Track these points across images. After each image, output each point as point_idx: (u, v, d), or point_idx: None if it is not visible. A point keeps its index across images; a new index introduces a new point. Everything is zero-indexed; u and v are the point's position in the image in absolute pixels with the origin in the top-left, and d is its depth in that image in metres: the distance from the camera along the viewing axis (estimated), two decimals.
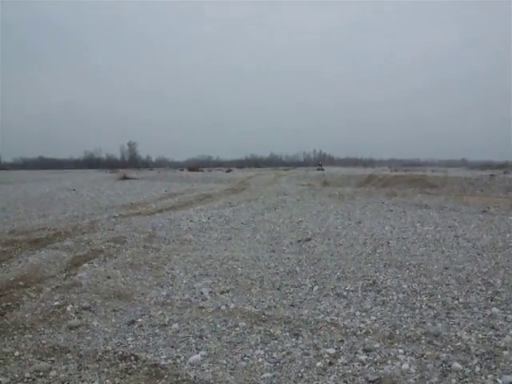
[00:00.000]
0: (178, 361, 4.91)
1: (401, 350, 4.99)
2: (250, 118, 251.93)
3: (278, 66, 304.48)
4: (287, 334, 5.55)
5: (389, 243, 10.81)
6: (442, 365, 4.64)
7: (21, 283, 7.67)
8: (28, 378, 4.48)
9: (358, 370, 4.56)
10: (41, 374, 4.57)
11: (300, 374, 4.52)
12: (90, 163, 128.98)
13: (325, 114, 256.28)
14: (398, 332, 5.53)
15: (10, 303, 6.55)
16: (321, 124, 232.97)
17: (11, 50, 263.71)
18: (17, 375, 4.54)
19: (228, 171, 67.69)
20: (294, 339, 5.38)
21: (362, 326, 5.74)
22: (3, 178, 56.80)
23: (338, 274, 8.13)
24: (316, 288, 7.34)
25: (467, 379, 4.34)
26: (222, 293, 7.21)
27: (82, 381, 4.42)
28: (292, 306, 6.57)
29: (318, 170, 68.29)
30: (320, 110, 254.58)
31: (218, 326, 5.85)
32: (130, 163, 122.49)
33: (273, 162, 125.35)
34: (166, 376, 4.54)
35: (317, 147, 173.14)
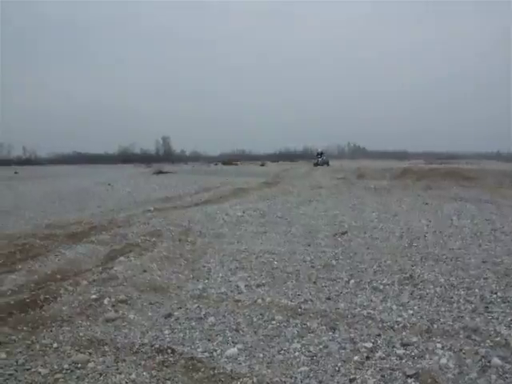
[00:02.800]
0: (215, 354, 4.95)
1: (439, 345, 4.95)
2: (283, 111, 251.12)
3: (301, 58, 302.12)
4: (324, 327, 5.56)
5: (425, 236, 10.71)
6: (480, 360, 4.59)
7: (58, 276, 7.83)
8: (67, 370, 4.57)
9: (396, 365, 4.55)
10: (79, 365, 4.66)
11: (337, 368, 4.52)
12: (125, 158, 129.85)
13: (358, 106, 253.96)
14: (435, 326, 5.49)
15: (47, 296, 6.69)
16: (354, 116, 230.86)
17: (37, 49, 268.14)
18: (56, 366, 4.64)
19: (262, 165, 67.80)
20: (330, 333, 5.39)
21: (399, 319, 5.72)
22: (39, 172, 57.83)
23: (375, 267, 8.10)
24: (352, 281, 7.33)
25: (507, 375, 4.29)
26: (258, 286, 7.25)
27: (120, 373, 4.50)
28: (328, 299, 6.57)
29: (318, 164, 59.62)
30: (353, 101, 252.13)
31: (255, 319, 5.88)
32: (164, 157, 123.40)
33: (306, 156, 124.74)
34: (202, 369, 4.58)
35: (350, 140, 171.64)
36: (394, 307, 6.17)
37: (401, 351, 4.82)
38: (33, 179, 42.48)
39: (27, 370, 4.60)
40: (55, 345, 5.16)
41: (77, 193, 23.82)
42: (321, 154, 64.65)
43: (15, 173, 60.01)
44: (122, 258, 8.85)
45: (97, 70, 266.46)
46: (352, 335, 5.29)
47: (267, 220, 13.48)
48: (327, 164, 59.64)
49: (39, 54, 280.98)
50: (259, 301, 6.52)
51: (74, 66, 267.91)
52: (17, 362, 4.76)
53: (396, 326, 5.51)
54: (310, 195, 20.10)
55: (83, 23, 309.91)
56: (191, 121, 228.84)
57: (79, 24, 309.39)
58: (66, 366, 4.64)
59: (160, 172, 45.63)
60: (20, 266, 8.59)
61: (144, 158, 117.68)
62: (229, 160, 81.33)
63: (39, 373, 4.52)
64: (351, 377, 4.33)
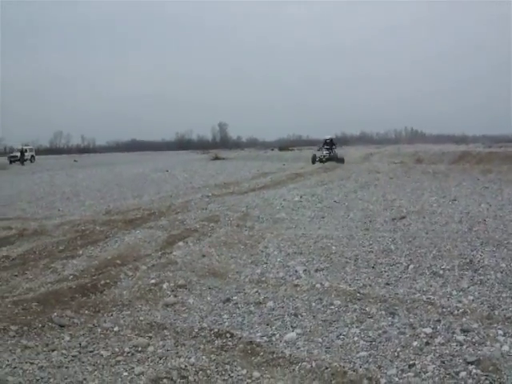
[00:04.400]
0: (274, 338, 4.99)
1: (500, 331, 4.83)
2: (340, 95, 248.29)
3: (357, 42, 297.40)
4: (383, 312, 5.52)
5: (485, 221, 10.43)
6: None
7: (118, 262, 8.03)
8: (127, 353, 4.70)
9: (456, 351, 4.47)
10: (139, 349, 4.78)
11: (396, 354, 4.49)
12: (182, 145, 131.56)
13: (415, 88, 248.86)
14: (496, 312, 5.37)
15: (108, 281, 6.88)
16: (412, 99, 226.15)
17: (101, 40, 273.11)
18: (117, 349, 4.77)
19: (319, 150, 67.26)
20: (389, 318, 5.35)
21: (459, 305, 5.61)
22: (97, 160, 59.12)
23: (434, 252, 7.96)
24: (411, 266, 7.24)
25: None
26: (317, 271, 7.24)
27: (179, 357, 4.57)
28: (387, 284, 6.52)
29: (322, 160, 35.43)
30: (410, 83, 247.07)
31: (313, 304, 5.89)
32: (220, 144, 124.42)
33: (363, 140, 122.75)
34: (261, 353, 4.62)
35: (408, 124, 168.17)
36: (454, 293, 6.06)
37: (461, 337, 4.74)
38: (91, 167, 43.54)
39: (90, 352, 4.75)
40: (116, 328, 5.31)
41: (135, 179, 24.28)
42: (330, 142, 37.93)
43: (74, 161, 61.68)
44: (180, 244, 8.99)
45: (156, 60, 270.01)
46: (411, 320, 5.24)
47: (325, 205, 13.43)
48: (338, 160, 35.72)
49: (102, 44, 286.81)
50: (318, 285, 6.52)
51: (134, 55, 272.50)
52: (80, 344, 4.92)
53: (456, 312, 5.42)
54: (368, 180, 19.92)
55: (147, 17, 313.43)
56: (248, 107, 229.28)
57: (144, 17, 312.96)
58: (126, 349, 4.77)
59: (217, 158, 46.11)
60: (81, 252, 8.86)
61: (200, 145, 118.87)
62: (285, 145, 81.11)
63: (101, 355, 4.66)
64: (410, 362, 4.30)
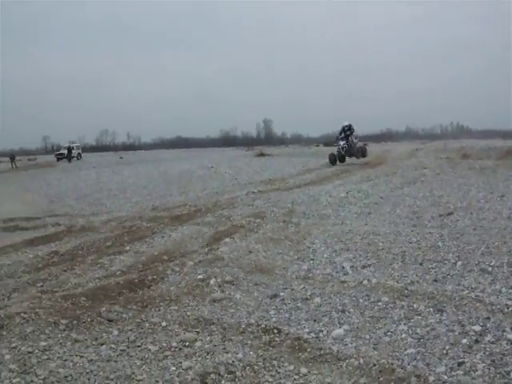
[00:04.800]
0: (321, 335, 4.97)
1: None
2: (385, 89, 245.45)
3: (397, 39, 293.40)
4: (431, 309, 5.42)
5: None
6: None
7: (165, 257, 8.11)
8: (175, 348, 4.74)
9: (507, 350, 4.35)
10: (187, 344, 4.81)
11: (445, 351, 4.41)
12: (226, 141, 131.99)
13: (462, 84, 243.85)
14: None
15: (155, 276, 6.95)
16: (458, 95, 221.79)
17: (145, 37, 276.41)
18: (164, 344, 4.82)
19: (364, 145, 66.67)
20: (437, 315, 5.26)
21: (509, 303, 5.45)
22: (143, 157, 59.83)
23: (482, 249, 7.77)
24: (459, 263, 7.10)
25: None
26: (364, 267, 7.19)
27: (227, 352, 4.59)
28: (435, 281, 6.41)
29: (339, 157, 28.42)
30: (457, 79, 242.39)
31: (361, 300, 5.84)
32: (265, 140, 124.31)
33: (409, 136, 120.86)
34: (308, 349, 4.61)
35: (454, 119, 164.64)
36: (504, 290, 5.90)
37: (511, 336, 4.65)
38: (137, 164, 44.05)
39: (138, 346, 4.82)
40: (164, 323, 5.36)
41: (180, 176, 24.48)
42: (348, 129, 29.11)
43: (120, 158, 62.58)
44: (227, 240, 9.02)
45: (200, 58, 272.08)
46: (460, 318, 5.14)
47: (371, 201, 13.29)
48: (359, 154, 29.10)
49: (146, 41, 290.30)
50: (365, 282, 6.46)
51: (177, 54, 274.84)
52: (128, 338, 4.99)
53: (506, 310, 5.28)
54: (414, 176, 19.58)
55: (186, 15, 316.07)
56: (292, 103, 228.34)
57: (189, 14, 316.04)
58: (174, 344, 4.81)
59: (261, 154, 46.07)
60: (128, 248, 9.00)
61: (245, 142, 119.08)
62: (330, 141, 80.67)
63: (149, 350, 4.71)
64: (459, 360, 4.21)
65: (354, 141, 29.35)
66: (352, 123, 29.61)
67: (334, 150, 29.64)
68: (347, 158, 28.64)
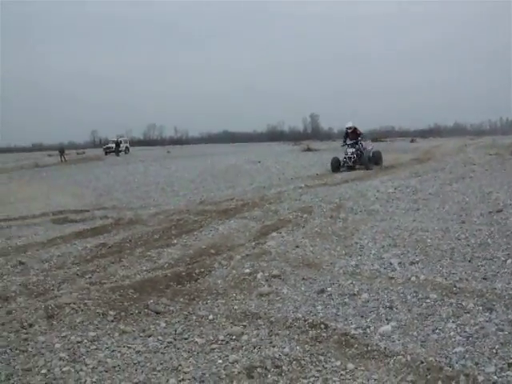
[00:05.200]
0: (368, 331, 4.92)
1: None
2: (433, 86, 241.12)
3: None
4: (480, 307, 5.30)
5: None
6: None
7: (212, 251, 8.16)
8: (222, 341, 4.76)
9: None
10: (233, 337, 4.83)
11: (495, 351, 4.30)
12: (273, 136, 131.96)
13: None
14: None
15: (202, 270, 7.00)
16: (508, 90, 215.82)
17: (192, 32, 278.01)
18: (211, 337, 4.85)
19: (411, 141, 65.82)
20: (487, 313, 5.14)
21: None
22: (190, 151, 60.31)
23: None
24: (509, 261, 6.89)
25: None
26: (412, 264, 7.07)
27: (273, 346, 4.59)
28: (484, 279, 6.26)
29: (351, 162, 23.21)
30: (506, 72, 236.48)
31: (409, 297, 5.75)
32: (312, 135, 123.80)
33: (457, 131, 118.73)
34: (355, 345, 4.57)
35: (503, 115, 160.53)
36: None
37: None
38: (184, 158, 44.41)
39: (185, 339, 4.87)
40: (211, 316, 5.40)
41: (228, 170, 24.59)
42: (352, 132, 24.31)
43: (168, 152, 63.14)
44: (274, 234, 9.03)
45: (249, 51, 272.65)
46: (510, 317, 5.02)
47: (419, 197, 13.08)
48: (371, 163, 23.57)
49: (194, 36, 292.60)
50: (413, 278, 6.36)
51: (227, 47, 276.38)
52: (175, 331, 5.06)
53: None
54: (463, 172, 19.19)
55: (239, 7, 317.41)
56: (339, 97, 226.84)
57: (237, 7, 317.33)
58: (221, 338, 4.84)
59: (308, 149, 45.93)
60: (175, 241, 9.08)
61: (292, 136, 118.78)
62: (377, 136, 79.78)
63: (196, 342, 4.76)
64: (510, 361, 4.11)
65: (368, 148, 24.32)
66: (355, 124, 24.25)
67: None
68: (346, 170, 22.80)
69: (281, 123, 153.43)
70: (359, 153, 23.30)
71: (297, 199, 13.20)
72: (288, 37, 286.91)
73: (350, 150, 23.23)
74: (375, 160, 23.74)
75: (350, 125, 24.19)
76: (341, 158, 23.22)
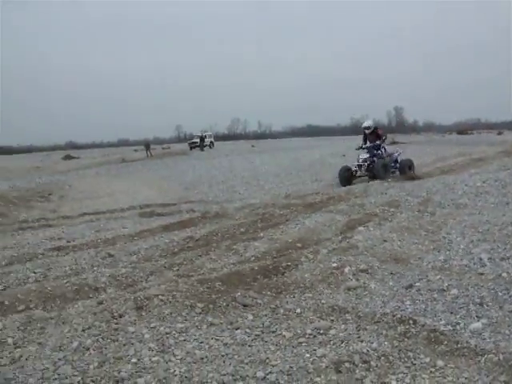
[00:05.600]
0: (458, 327, 4.79)
1: None
2: None
3: None
4: None
5: None
6: None
7: (298, 245, 8.15)
8: (309, 335, 4.75)
9: None
10: (321, 331, 4.81)
11: None
12: (357, 129, 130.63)
13: None
14: None
15: (289, 263, 7.00)
16: None
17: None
18: (299, 331, 4.85)
19: (499, 133, 63.75)
20: None
21: None
22: (273, 145, 60.56)
23: None
24: None
25: None
26: (503, 259, 6.78)
27: (361, 341, 4.55)
28: None
29: (363, 171, 17.50)
30: None
31: (500, 293, 5.55)
32: (396, 128, 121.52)
33: None
34: (445, 342, 4.46)
35: None
36: None
37: None
38: (268, 152, 44.61)
39: (272, 332, 4.89)
40: (298, 310, 5.39)
41: (312, 164, 24.53)
42: (372, 132, 18.87)
43: (252, 146, 63.51)
44: (360, 228, 8.92)
45: (332, 45, 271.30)
46: None
47: (508, 190, 12.57)
48: (402, 170, 18.10)
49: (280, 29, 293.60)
50: (504, 274, 6.12)
51: (311, 40, 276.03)
52: (263, 324, 5.08)
53: None
54: None
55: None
56: (425, 89, 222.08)
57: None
58: (308, 331, 4.82)
59: (394, 142, 45.20)
60: (261, 234, 9.12)
61: None
62: (463, 129, 77.73)
63: (283, 336, 4.77)
64: None
65: (394, 154, 19.02)
66: (374, 123, 19.58)
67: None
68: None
69: (364, 116, 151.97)
70: (376, 160, 17.79)
71: (383, 193, 13.00)
72: (373, 26, 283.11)
73: (363, 156, 17.93)
74: (402, 169, 17.99)
75: (368, 124, 19.20)
76: (354, 167, 17.91)
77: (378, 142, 18.26)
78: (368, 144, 18.56)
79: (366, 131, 18.69)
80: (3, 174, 31.73)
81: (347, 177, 17.22)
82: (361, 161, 17.66)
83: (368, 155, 17.79)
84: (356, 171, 17.61)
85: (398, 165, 18.21)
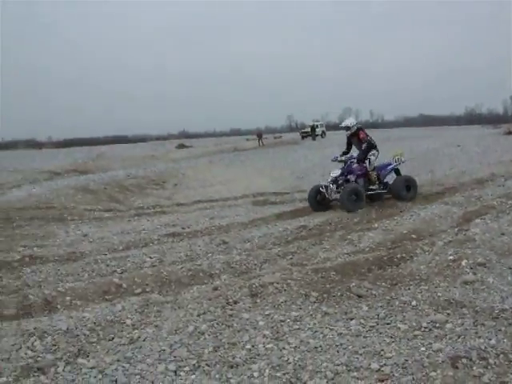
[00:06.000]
0: None
1: None
2: None
3: None
4: None
5: None
6: None
7: (413, 236, 8.06)
8: (425, 328, 4.69)
9: None
10: (437, 325, 4.74)
11: None
12: (471, 119, 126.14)
13: None
14: None
15: (404, 255, 6.93)
16: None
17: None
18: (414, 324, 4.80)
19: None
20: None
21: None
22: (386, 135, 59.44)
23: None
24: None
25: None
26: None
27: (479, 337, 4.44)
28: None
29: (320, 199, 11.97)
30: None
31: None
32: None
33: None
34: None
35: None
36: None
37: None
38: (380, 141, 43.74)
39: (387, 324, 4.86)
40: (414, 303, 5.32)
41: (426, 154, 23.88)
42: (354, 135, 13.15)
43: None
44: (477, 220, 8.62)
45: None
46: None
47: None
48: (395, 191, 12.41)
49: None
50: None
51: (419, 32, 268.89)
52: (378, 315, 5.06)
53: None
54: None
55: None
56: None
57: None
58: (424, 325, 4.76)
59: (510, 132, 43.16)
60: (376, 225, 9.09)
61: (491, 119, 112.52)
62: None
63: (398, 328, 4.73)
64: None
65: (389, 168, 13.49)
66: (356, 122, 13.67)
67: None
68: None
69: (479, 105, 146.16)
70: (351, 178, 12.68)
71: (500, 185, 12.52)
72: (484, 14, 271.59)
73: (334, 174, 12.66)
74: (395, 190, 12.46)
75: (347, 123, 13.51)
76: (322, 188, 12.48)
77: (363, 150, 12.93)
78: (352, 151, 13.45)
79: (347, 133, 13.35)
80: (121, 163, 32.96)
81: (319, 200, 12.33)
82: (329, 180, 12.56)
83: (339, 172, 12.64)
84: (323, 193, 12.36)
85: (388, 183, 12.94)
